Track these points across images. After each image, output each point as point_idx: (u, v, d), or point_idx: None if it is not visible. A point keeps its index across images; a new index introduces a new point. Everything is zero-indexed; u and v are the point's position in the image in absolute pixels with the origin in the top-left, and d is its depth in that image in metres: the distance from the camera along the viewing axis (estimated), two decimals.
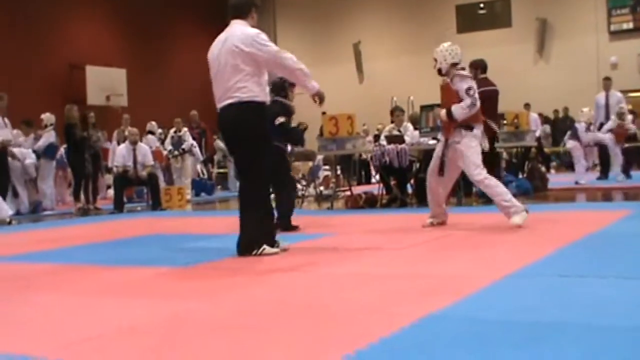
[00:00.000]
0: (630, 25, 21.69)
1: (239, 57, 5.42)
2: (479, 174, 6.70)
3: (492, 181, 6.71)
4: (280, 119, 7.73)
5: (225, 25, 5.72)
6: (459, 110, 6.71)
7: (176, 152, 15.34)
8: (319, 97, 5.71)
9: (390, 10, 24.20)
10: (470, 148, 6.74)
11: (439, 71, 6.96)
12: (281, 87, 8.00)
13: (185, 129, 16.02)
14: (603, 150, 13.80)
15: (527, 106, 18.63)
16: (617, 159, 13.35)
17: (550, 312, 3.19)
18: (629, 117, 14.10)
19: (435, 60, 6.94)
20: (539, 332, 2.85)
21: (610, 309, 3.19)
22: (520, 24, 22.82)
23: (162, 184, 14.17)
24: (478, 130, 6.85)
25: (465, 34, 22.60)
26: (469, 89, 6.76)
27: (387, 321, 3.16)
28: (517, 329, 2.93)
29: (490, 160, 8.12)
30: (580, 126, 13.45)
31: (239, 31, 5.53)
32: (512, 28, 23.03)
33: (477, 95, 6.78)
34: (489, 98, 9.04)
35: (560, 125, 20.42)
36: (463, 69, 7.09)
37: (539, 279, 4.03)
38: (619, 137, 13.22)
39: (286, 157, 8.32)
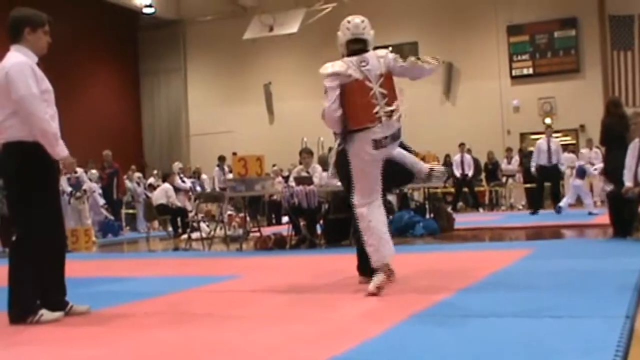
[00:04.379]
0: (530, 71, 22.58)
1: (2, 92, 4.65)
2: (354, 203, 5.20)
3: (364, 216, 5.14)
4: None
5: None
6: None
7: (78, 194, 14.91)
8: (65, 165, 4.81)
9: (301, 51, 24.44)
10: (349, 165, 5.25)
11: None
12: None
13: (81, 169, 15.65)
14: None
15: (461, 146, 19.27)
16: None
17: (450, 352, 3.23)
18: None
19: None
20: None
21: (508, 348, 3.26)
22: None
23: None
24: (362, 133, 5.07)
25: None
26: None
27: None
28: None
29: None
30: (588, 167, 14.65)
31: (5, 61, 4.72)
32: None
33: (330, 94, 5.09)
34: None
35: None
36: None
37: (442, 319, 4.08)
38: None
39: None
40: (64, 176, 15.71)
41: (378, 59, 5.24)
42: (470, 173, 19.37)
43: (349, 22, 5.34)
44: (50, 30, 4.91)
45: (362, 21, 5.36)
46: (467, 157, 19.63)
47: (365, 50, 5.28)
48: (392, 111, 5.11)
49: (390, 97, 5.17)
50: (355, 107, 5.07)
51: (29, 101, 4.58)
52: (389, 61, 5.27)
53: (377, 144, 5.06)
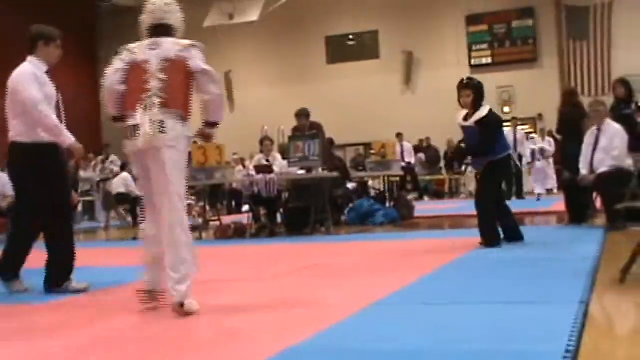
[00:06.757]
0: (489, 60, 22.80)
1: (11, 95, 5.30)
2: None
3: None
4: None
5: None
6: None
7: None
8: (75, 150, 5.47)
9: (261, 39, 24.32)
10: None
11: None
12: None
13: None
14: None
15: (399, 136, 19.11)
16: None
17: (410, 340, 3.26)
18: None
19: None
20: None
21: (467, 335, 3.29)
22: (387, 56, 23.47)
23: None
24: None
25: (335, 64, 22.98)
26: None
27: (245, 355, 3.12)
28: (377, 358, 2.97)
29: None
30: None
31: (19, 68, 5.37)
32: (380, 60, 23.64)
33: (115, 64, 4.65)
34: None
35: (425, 154, 21.04)
36: None
37: (402, 307, 4.12)
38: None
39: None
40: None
41: (175, 44, 4.50)
42: (412, 160, 19.37)
43: (153, 4, 4.63)
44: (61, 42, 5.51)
45: (167, 4, 4.66)
46: (407, 145, 19.41)
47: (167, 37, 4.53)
48: (165, 100, 4.32)
49: (171, 87, 4.35)
50: (128, 90, 4.44)
51: (30, 101, 5.16)
52: (191, 55, 4.50)
53: (130, 132, 4.33)
